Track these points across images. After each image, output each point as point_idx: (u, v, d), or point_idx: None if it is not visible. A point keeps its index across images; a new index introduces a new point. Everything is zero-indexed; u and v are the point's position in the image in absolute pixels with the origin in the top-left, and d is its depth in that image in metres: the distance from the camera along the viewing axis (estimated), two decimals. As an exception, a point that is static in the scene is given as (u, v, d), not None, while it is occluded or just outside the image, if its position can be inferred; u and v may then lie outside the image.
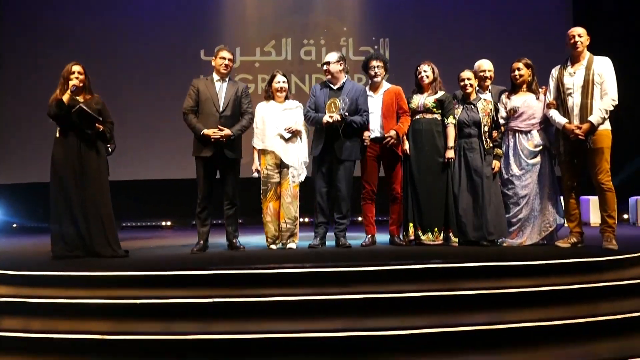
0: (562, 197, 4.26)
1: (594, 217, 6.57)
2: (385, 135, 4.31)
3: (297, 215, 4.33)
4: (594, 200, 6.52)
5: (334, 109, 4.10)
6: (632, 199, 6.89)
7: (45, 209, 4.59)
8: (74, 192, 3.82)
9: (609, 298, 3.13)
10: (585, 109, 3.90)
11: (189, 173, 7.04)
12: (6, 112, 7.85)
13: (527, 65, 4.25)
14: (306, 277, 3.14)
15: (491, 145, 4.21)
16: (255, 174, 4.38)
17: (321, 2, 8.29)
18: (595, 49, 4.13)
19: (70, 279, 3.21)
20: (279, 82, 4.34)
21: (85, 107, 3.78)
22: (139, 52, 8.02)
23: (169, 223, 7.99)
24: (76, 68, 3.90)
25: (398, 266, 3.26)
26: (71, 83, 3.83)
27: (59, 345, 2.71)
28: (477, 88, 4.38)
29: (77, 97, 3.89)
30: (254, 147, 4.39)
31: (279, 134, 4.27)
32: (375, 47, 8.11)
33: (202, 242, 4.24)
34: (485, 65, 4.41)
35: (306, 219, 6.77)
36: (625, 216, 7.13)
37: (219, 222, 4.84)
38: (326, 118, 4.15)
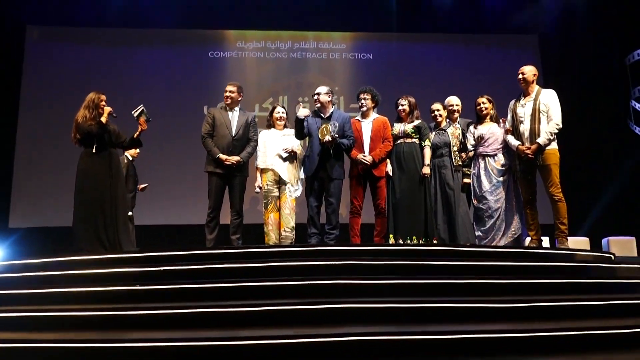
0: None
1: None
2: (363, 157, 5.00)
3: (294, 225, 4.97)
4: (613, 241, 7.21)
5: (325, 133, 4.85)
6: (604, 240, 7.45)
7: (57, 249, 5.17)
8: (106, 198, 4.48)
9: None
10: (534, 133, 4.70)
11: (190, 219, 7.73)
12: (23, 160, 8.33)
13: (489, 100, 5.11)
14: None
15: (460, 163, 4.98)
16: (257, 190, 5.07)
17: (314, 63, 9.24)
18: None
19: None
20: (278, 112, 5.16)
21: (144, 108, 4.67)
22: (149, 107, 8.38)
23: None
24: (103, 97, 4.71)
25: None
26: (107, 109, 4.61)
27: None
28: (447, 120, 5.20)
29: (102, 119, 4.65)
30: (257, 167, 5.11)
31: (277, 154, 5.01)
32: (363, 104, 8.99)
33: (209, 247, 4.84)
34: (453, 100, 5.28)
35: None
36: None
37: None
38: (302, 112, 4.83)
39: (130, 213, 5.73)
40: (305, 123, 4.95)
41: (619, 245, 7.24)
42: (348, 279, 3.35)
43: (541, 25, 9.15)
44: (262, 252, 3.85)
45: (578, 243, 7.33)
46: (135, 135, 4.81)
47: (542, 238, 5.03)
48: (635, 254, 7.16)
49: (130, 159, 6.13)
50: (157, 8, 8.92)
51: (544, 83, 9.00)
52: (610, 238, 7.35)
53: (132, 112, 4.73)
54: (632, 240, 7.25)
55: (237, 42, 9.27)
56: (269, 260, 3.59)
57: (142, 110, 4.70)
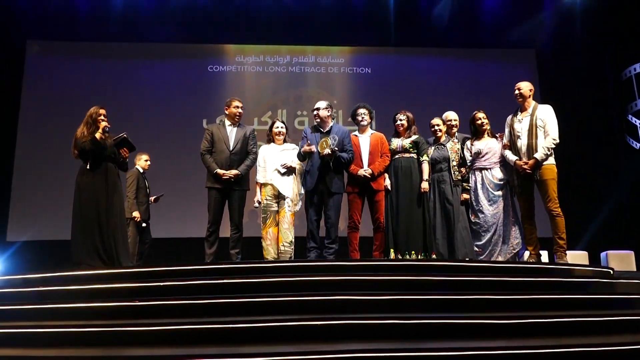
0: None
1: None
2: (364, 171, 5.04)
3: (293, 240, 4.98)
4: (612, 255, 7.17)
5: (325, 146, 4.87)
6: (603, 254, 7.42)
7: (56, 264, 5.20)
8: (103, 212, 4.49)
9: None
10: (531, 148, 4.74)
11: (190, 232, 7.75)
12: (21, 173, 8.34)
13: (487, 116, 5.14)
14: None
15: (459, 177, 5.00)
16: (256, 204, 5.08)
17: (313, 77, 9.29)
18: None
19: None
20: (277, 127, 5.19)
21: (126, 136, 4.59)
22: (147, 122, 8.67)
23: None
24: (103, 111, 4.73)
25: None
26: (103, 124, 4.62)
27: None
28: (446, 135, 5.23)
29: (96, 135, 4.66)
30: (257, 182, 5.13)
31: (276, 169, 5.03)
32: (362, 118, 9.06)
33: (209, 262, 4.84)
34: (451, 115, 5.31)
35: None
36: None
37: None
38: (306, 148, 4.89)
39: (144, 225, 5.78)
40: (305, 140, 5.00)
41: (618, 259, 7.24)
42: (346, 295, 3.35)
43: (538, 40, 9.24)
44: (259, 267, 3.87)
45: (577, 257, 7.35)
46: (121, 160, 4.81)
47: (541, 252, 5.04)
48: (634, 268, 7.16)
49: (141, 170, 6.15)
50: (157, 22, 8.98)
51: (541, 96, 9.10)
52: (609, 252, 7.33)
53: (113, 139, 4.69)
54: (630, 254, 7.25)
55: (236, 56, 9.32)
56: (267, 276, 3.61)
57: (124, 137, 4.66)
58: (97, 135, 4.60)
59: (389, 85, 9.19)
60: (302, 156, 5.05)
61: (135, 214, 5.80)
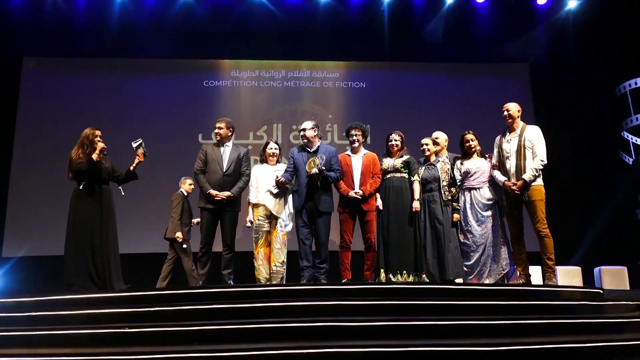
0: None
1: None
2: (355, 193, 5.09)
3: (285, 260, 5.01)
4: (605, 270, 7.21)
5: (313, 166, 4.91)
6: (596, 269, 7.43)
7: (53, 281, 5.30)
8: (97, 235, 4.52)
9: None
10: (519, 169, 4.79)
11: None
12: (17, 188, 8.36)
13: (476, 137, 5.19)
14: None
15: (449, 197, 5.04)
16: (249, 224, 5.12)
17: (308, 92, 9.34)
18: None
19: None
20: (271, 148, 5.23)
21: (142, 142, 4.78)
22: (144, 135, 8.19)
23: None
24: (98, 132, 4.78)
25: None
26: (100, 145, 4.68)
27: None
28: (436, 154, 5.27)
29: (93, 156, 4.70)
30: (249, 202, 5.17)
31: (268, 190, 5.08)
32: (357, 132, 9.11)
33: (201, 282, 4.87)
34: (440, 135, 5.36)
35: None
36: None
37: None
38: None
39: (184, 246, 5.94)
40: (292, 160, 5.09)
41: (611, 275, 7.28)
42: (335, 321, 3.39)
43: (531, 55, 9.32)
44: (248, 292, 3.90)
45: (570, 272, 7.39)
46: (131, 168, 4.89)
47: (531, 269, 5.04)
48: (627, 284, 7.19)
49: (186, 194, 6.32)
50: (152, 38, 9.03)
51: (534, 110, 9.20)
52: (602, 267, 7.36)
53: (132, 143, 4.85)
54: (623, 270, 7.28)
55: (231, 71, 9.39)
56: (255, 301, 3.65)
57: (141, 143, 4.82)
58: (94, 156, 4.65)
59: (383, 99, 9.27)
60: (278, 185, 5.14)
61: (178, 234, 5.96)
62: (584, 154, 8.64)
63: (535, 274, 5.78)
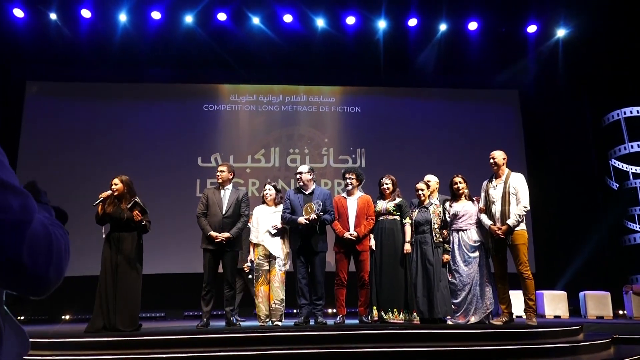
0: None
1: (549, 310, 7.56)
2: (350, 235, 5.38)
3: (284, 297, 5.30)
4: (589, 295, 7.56)
5: (310, 211, 5.20)
6: (581, 294, 7.77)
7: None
8: (110, 280, 4.76)
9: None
10: (504, 214, 5.09)
11: (184, 268, 8.07)
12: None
13: (464, 180, 5.49)
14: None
15: (440, 239, 5.33)
16: (248, 263, 5.40)
17: (305, 116, 9.64)
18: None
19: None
20: (265, 191, 5.52)
21: (138, 200, 4.88)
22: (145, 159, 9.01)
23: (162, 314, 8.53)
24: (114, 180, 5.00)
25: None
26: (103, 195, 4.88)
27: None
28: (429, 197, 5.57)
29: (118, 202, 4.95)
30: (250, 241, 5.46)
31: (267, 230, 5.36)
32: (353, 155, 9.43)
33: (205, 319, 5.15)
34: (431, 178, 5.65)
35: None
36: (621, 312, 7.83)
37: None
38: (303, 220, 5.20)
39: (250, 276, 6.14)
40: (288, 202, 5.36)
41: (595, 300, 7.60)
42: None
43: (521, 82, 9.64)
44: (240, 338, 4.20)
45: (556, 297, 7.73)
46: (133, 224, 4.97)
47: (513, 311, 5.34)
48: (610, 309, 7.52)
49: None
50: (153, 63, 9.31)
51: (525, 135, 9.53)
52: (587, 292, 7.67)
53: (126, 205, 4.90)
54: (607, 295, 7.60)
55: (230, 95, 9.67)
56: (249, 349, 3.96)
57: (135, 202, 4.88)
58: (99, 208, 4.89)
59: (378, 124, 9.57)
60: (285, 221, 5.37)
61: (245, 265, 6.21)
62: (573, 179, 8.96)
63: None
